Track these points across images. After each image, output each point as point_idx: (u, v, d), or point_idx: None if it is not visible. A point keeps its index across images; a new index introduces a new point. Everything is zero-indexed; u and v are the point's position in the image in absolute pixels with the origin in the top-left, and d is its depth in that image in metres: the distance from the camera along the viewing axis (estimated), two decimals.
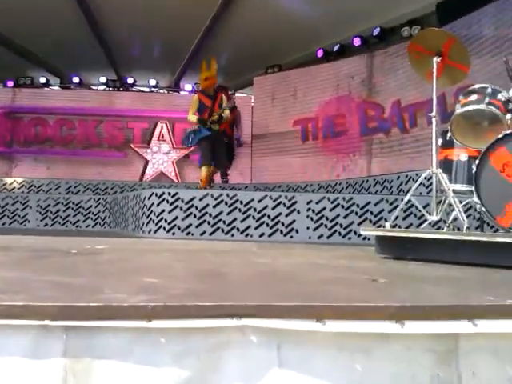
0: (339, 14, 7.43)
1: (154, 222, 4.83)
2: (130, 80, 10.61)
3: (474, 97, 2.95)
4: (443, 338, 1.03)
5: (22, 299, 1.06)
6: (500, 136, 2.62)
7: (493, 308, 1.13)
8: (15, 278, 1.48)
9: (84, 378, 0.92)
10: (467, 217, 2.93)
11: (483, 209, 2.65)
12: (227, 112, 6.14)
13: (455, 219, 3.24)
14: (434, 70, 3.04)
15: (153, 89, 10.88)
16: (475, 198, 2.77)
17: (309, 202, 4.84)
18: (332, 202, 4.83)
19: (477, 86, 3.00)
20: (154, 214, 4.84)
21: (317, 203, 4.83)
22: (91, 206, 7.13)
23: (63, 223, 7.05)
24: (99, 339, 0.96)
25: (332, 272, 1.96)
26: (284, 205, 4.83)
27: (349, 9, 7.28)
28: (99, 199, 7.24)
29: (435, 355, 1.00)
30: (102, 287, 1.32)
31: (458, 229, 3.08)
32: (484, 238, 2.35)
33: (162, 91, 11.03)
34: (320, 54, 8.83)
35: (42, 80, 10.34)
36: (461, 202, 3.06)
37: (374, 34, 7.94)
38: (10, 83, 10.25)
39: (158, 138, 9.96)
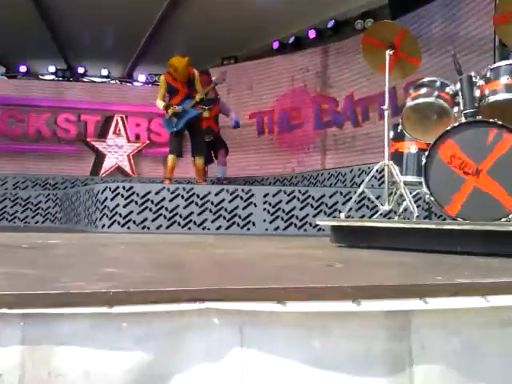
0: (295, 5, 7.46)
1: (107, 216, 4.74)
2: (81, 70, 10.17)
3: (423, 90, 3.05)
4: (396, 316, 1.08)
5: None
6: (448, 128, 2.73)
7: (442, 286, 1.20)
8: None
9: (43, 364, 0.90)
10: (417, 207, 3.05)
11: (432, 198, 2.76)
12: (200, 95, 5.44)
13: (405, 210, 3.38)
14: (387, 63, 3.12)
15: (105, 79, 10.51)
16: (424, 189, 2.88)
17: (265, 195, 4.89)
18: (288, 195, 4.91)
19: (426, 80, 3.10)
20: (108, 208, 4.75)
21: (273, 196, 4.89)
22: (40, 202, 6.90)
23: (11, 219, 6.79)
24: (58, 326, 0.95)
25: (289, 260, 2.00)
26: (241, 198, 4.86)
27: (303, 0, 7.32)
28: (49, 194, 7.02)
29: (389, 331, 1.05)
30: (59, 277, 1.30)
31: (409, 219, 3.21)
32: (433, 226, 2.46)
33: (114, 82, 10.68)
34: (276, 45, 8.88)
35: None
36: (411, 193, 3.19)
37: (329, 26, 8.06)
38: None
39: (114, 131, 9.72)
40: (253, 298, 1.07)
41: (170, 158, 5.46)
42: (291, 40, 8.67)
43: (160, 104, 5.51)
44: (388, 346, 1.03)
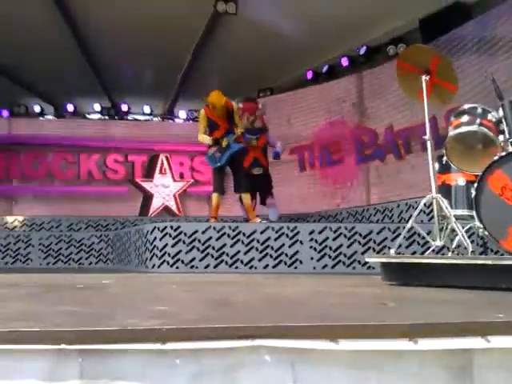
0: (326, 33, 7.50)
1: (157, 256, 4.82)
2: (124, 107, 10.37)
3: (465, 118, 2.97)
4: (457, 355, 1.03)
5: (38, 326, 1.07)
6: (495, 158, 2.64)
7: (504, 324, 1.14)
8: (28, 309, 1.49)
9: None
10: (470, 242, 2.93)
11: (486, 233, 2.65)
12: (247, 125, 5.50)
13: (459, 246, 3.25)
14: (424, 89, 3.01)
15: (147, 116, 10.68)
16: (477, 223, 2.77)
17: (311, 232, 4.84)
18: (334, 232, 4.84)
19: (466, 107, 3.02)
20: (157, 248, 4.84)
21: (319, 233, 4.84)
22: (93, 243, 7.13)
23: (66, 261, 7.03)
24: (114, 362, 0.97)
25: (340, 298, 1.96)
26: (287, 235, 4.84)
27: (335, 28, 7.36)
28: (101, 235, 7.25)
29: (449, 371, 1.01)
30: (114, 314, 1.33)
31: (463, 254, 3.08)
32: (489, 262, 2.35)
33: (156, 119, 10.84)
34: (309, 75, 8.95)
35: (37, 109, 10.11)
36: (463, 227, 3.06)
37: (361, 53, 8.08)
38: (5, 112, 9.98)
39: (160, 171, 9.93)
40: (305, 335, 1.06)
41: (215, 196, 5.37)
42: (324, 69, 8.72)
43: (204, 138, 5.37)
44: None
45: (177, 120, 10.75)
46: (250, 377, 0.97)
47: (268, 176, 6.17)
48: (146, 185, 9.87)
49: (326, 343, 1.03)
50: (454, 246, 3.16)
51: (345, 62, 8.40)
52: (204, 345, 1.00)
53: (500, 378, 1.00)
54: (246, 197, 5.45)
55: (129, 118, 10.64)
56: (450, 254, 3.12)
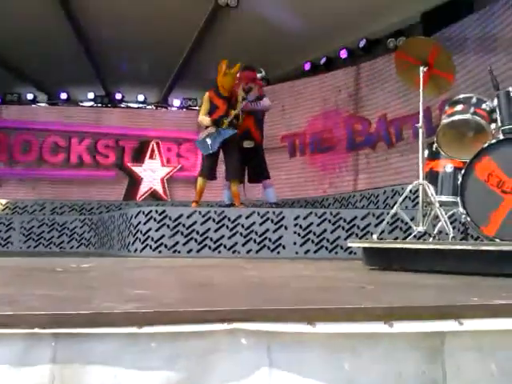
0: (326, 26, 7.52)
1: (140, 240, 4.81)
2: (118, 96, 10.51)
3: (459, 107, 2.99)
4: (430, 337, 1.04)
5: (11, 309, 1.05)
6: (485, 146, 2.66)
7: (478, 307, 1.15)
8: (2, 293, 1.47)
9: (72, 382, 0.91)
10: (452, 229, 2.96)
11: (468, 219, 2.68)
12: (242, 94, 5.34)
13: (440, 232, 3.28)
14: (421, 80, 3.07)
15: (141, 105, 10.81)
16: (460, 209, 2.80)
17: (296, 218, 4.86)
18: (319, 217, 4.87)
19: (462, 96, 3.04)
20: (141, 232, 4.82)
21: (304, 218, 4.86)
22: (76, 227, 7.07)
23: (47, 245, 6.97)
24: (89, 346, 0.96)
25: (320, 281, 1.97)
26: (272, 221, 4.85)
27: (335, 20, 7.37)
28: (85, 219, 7.19)
29: (421, 353, 1.02)
30: (91, 298, 1.32)
31: (444, 240, 3.11)
32: (469, 247, 2.38)
33: (150, 107, 10.98)
34: (307, 67, 8.92)
35: (30, 96, 10.22)
36: (446, 214, 3.09)
37: (360, 45, 8.04)
38: None
39: (150, 156, 9.99)
40: (281, 319, 1.06)
41: (200, 180, 5.38)
42: (323, 61, 8.68)
43: (204, 119, 5.38)
44: (421, 368, 1.00)
45: (170, 108, 10.81)
46: (226, 360, 0.97)
47: (260, 153, 5.69)
48: (136, 169, 9.90)
49: (302, 326, 1.04)
50: (435, 231, 3.19)
51: (344, 54, 8.34)
52: (180, 328, 1.00)
53: (470, 358, 1.02)
54: (235, 184, 5.40)
55: (122, 105, 10.67)
56: (431, 239, 3.15)
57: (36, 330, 0.96)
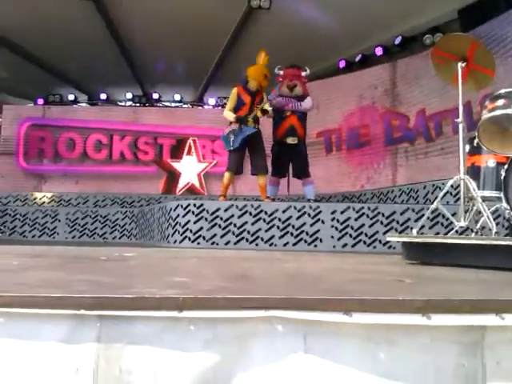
0: (360, 24, 7.46)
1: (179, 232, 4.90)
2: (155, 95, 10.89)
3: (500, 102, 2.91)
4: (470, 331, 1.03)
5: (60, 292, 1.11)
6: None
7: None
8: (51, 277, 1.54)
9: (115, 361, 0.96)
10: (496, 224, 2.87)
11: None
12: (267, 106, 5.36)
13: (483, 227, 3.20)
14: (459, 75, 3.03)
15: (177, 104, 11.11)
16: (504, 204, 2.73)
17: (333, 212, 4.83)
18: (357, 212, 4.82)
19: (503, 91, 2.96)
20: (180, 224, 4.91)
21: (341, 213, 4.82)
22: (118, 219, 7.28)
23: (91, 235, 7.21)
24: (131, 328, 1.00)
25: (358, 274, 1.96)
26: (309, 215, 4.84)
27: (370, 18, 7.31)
28: (126, 212, 7.39)
29: (461, 347, 1.01)
30: (133, 284, 1.37)
31: (487, 235, 3.03)
32: None
33: (186, 106, 11.24)
34: (342, 64, 8.86)
35: (71, 97, 10.74)
36: (489, 209, 3.01)
37: (396, 42, 7.92)
38: (41, 101, 10.71)
39: (188, 152, 10.20)
40: (318, 308, 1.07)
41: (226, 174, 5.47)
42: (358, 58, 8.60)
43: (229, 114, 5.43)
44: (460, 361, 0.99)
45: (206, 107, 11.07)
46: (262, 345, 0.99)
47: (304, 150, 5.68)
48: (175, 164, 10.15)
49: (338, 316, 1.04)
50: (478, 227, 3.11)
51: (379, 51, 8.22)
52: (219, 314, 1.02)
53: (511, 353, 1.00)
54: (262, 178, 5.45)
55: (159, 105, 11.01)
56: (473, 235, 3.07)
57: (82, 312, 1.01)
